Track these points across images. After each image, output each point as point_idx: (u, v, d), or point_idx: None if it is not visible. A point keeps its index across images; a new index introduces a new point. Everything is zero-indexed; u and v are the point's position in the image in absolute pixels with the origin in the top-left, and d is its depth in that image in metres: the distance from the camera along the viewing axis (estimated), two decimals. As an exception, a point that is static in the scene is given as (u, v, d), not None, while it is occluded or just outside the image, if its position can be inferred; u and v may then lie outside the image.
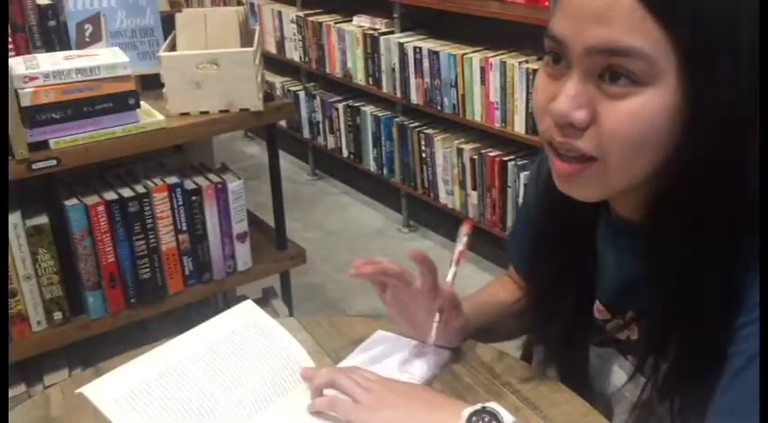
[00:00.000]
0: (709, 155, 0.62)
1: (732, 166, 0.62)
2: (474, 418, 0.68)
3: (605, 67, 0.61)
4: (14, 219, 1.44)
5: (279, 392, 0.81)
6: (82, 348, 1.65)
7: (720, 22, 0.59)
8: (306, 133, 3.45)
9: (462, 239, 0.87)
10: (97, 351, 1.66)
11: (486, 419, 0.67)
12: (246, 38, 1.70)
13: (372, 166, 3.06)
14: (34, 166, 1.39)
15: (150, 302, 1.62)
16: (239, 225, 1.70)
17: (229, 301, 2.00)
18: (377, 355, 0.89)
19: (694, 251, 0.65)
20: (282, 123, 3.55)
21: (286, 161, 3.75)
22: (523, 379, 0.85)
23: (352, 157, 3.17)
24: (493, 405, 0.68)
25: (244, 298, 2.04)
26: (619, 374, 0.80)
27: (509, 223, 2.43)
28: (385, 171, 2.99)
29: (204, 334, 0.85)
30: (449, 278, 0.87)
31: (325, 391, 0.79)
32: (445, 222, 2.87)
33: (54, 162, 1.41)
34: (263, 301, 1.94)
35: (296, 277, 2.08)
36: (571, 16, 0.62)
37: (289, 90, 3.46)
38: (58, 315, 1.53)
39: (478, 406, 0.69)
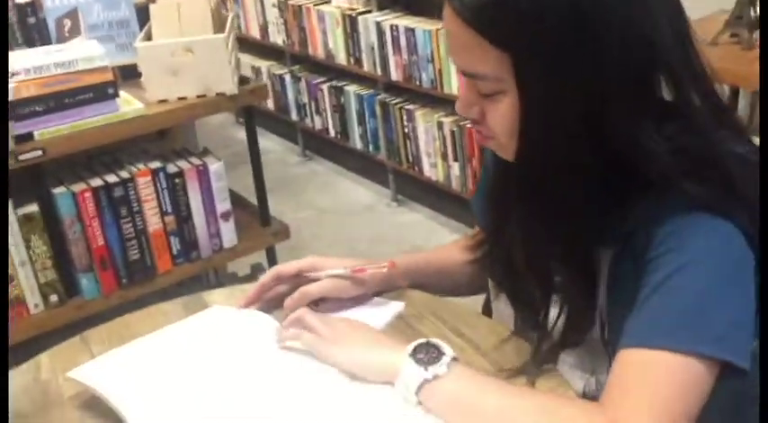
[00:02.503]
0: (540, 143, 0.72)
1: (561, 151, 0.71)
2: (418, 349, 0.76)
3: None
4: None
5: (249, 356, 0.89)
6: (78, 329, 1.73)
7: (533, 40, 0.68)
8: (294, 115, 3.51)
9: (373, 266, 0.95)
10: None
11: (430, 351, 0.75)
12: (220, 24, 1.77)
13: (359, 144, 3.13)
14: (20, 158, 1.47)
15: (141, 282, 1.70)
16: (222, 204, 1.78)
17: (220, 277, 2.09)
18: (334, 309, 0.97)
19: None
20: (270, 106, 3.62)
21: (276, 143, 3.82)
22: (470, 324, 0.93)
23: (338, 136, 3.24)
24: (435, 340, 0.77)
25: (233, 275, 2.14)
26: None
27: (490, 192, 2.50)
28: (371, 148, 3.06)
29: (180, 327, 0.94)
30: (327, 273, 0.96)
31: None
32: (431, 195, 2.94)
33: (39, 152, 1.49)
34: (251, 277, 2.02)
35: (289, 254, 2.16)
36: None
37: (274, 74, 3.52)
38: (53, 298, 1.62)
39: (423, 340, 0.77)
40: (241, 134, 4.17)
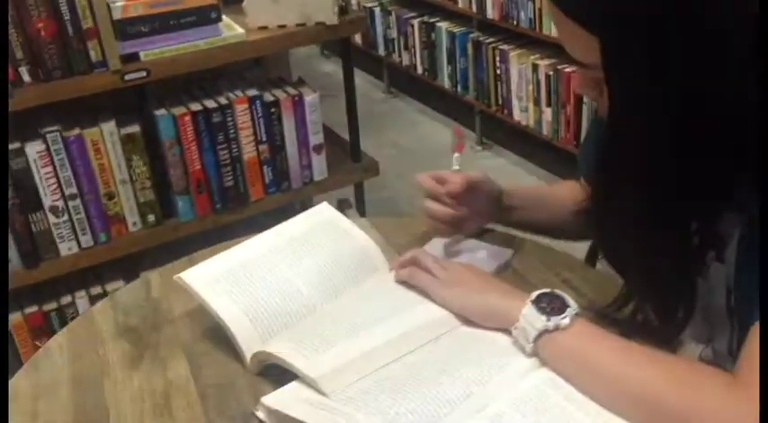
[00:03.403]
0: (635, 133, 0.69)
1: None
2: (541, 297, 0.73)
3: None
4: (110, 127, 1.54)
5: (352, 281, 0.88)
6: (173, 250, 1.78)
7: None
8: (381, 50, 3.46)
9: (455, 137, 1.01)
10: (187, 252, 1.80)
11: (553, 301, 0.73)
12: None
13: (447, 83, 3.06)
14: (126, 77, 1.49)
15: (234, 208, 1.73)
16: (315, 137, 1.77)
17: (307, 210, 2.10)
18: (443, 253, 0.95)
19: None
20: (358, 40, 3.57)
21: (361, 79, 3.78)
22: (582, 276, 0.90)
23: (426, 73, 3.18)
24: (559, 291, 0.74)
25: (321, 207, 2.14)
26: None
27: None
28: (459, 88, 2.99)
29: (285, 230, 0.93)
30: (455, 167, 0.98)
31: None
32: (519, 140, 2.87)
33: (144, 73, 1.50)
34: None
35: (370, 192, 2.15)
36: None
37: (364, 6, 3.45)
38: (151, 217, 1.66)
39: (547, 290, 0.74)
40: (326, 67, 4.16)
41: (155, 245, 1.67)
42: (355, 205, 2.02)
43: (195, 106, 1.62)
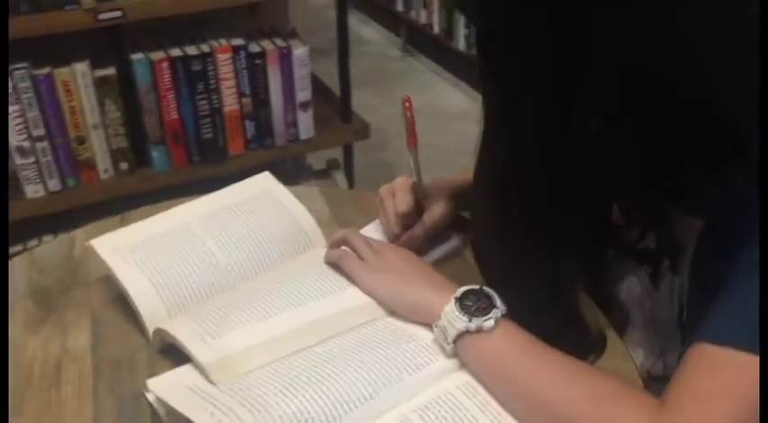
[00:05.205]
0: None
1: None
2: (467, 295, 0.66)
3: None
4: (83, 67, 1.48)
5: (281, 257, 0.81)
6: (146, 200, 1.72)
7: None
8: (399, 6, 3.32)
9: (406, 116, 0.83)
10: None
11: (480, 299, 0.65)
12: None
13: (462, 45, 2.93)
14: (99, 17, 1.41)
15: (211, 162, 1.66)
16: (303, 93, 1.68)
17: (296, 168, 2.03)
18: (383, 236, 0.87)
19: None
20: (378, -6, 3.44)
21: (378, 34, 3.66)
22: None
23: (443, 34, 3.05)
24: (489, 289, 0.66)
25: (308, 168, 2.08)
26: (633, 283, 0.75)
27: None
28: (475, 51, 2.87)
29: (215, 199, 0.86)
30: (415, 175, 0.86)
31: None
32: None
33: (119, 13, 1.42)
34: (325, 173, 1.95)
35: (368, 152, 2.07)
36: None
37: (386, -42, 3.32)
38: (123, 165, 1.60)
39: (475, 286, 0.66)
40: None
41: (125, 194, 1.61)
42: (344, 167, 1.95)
43: (175, 52, 1.54)
